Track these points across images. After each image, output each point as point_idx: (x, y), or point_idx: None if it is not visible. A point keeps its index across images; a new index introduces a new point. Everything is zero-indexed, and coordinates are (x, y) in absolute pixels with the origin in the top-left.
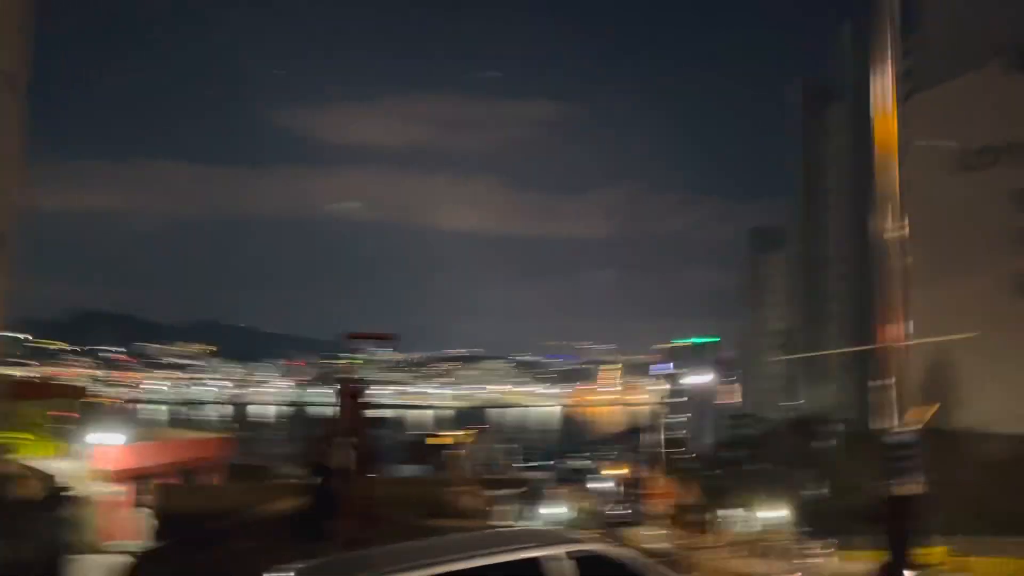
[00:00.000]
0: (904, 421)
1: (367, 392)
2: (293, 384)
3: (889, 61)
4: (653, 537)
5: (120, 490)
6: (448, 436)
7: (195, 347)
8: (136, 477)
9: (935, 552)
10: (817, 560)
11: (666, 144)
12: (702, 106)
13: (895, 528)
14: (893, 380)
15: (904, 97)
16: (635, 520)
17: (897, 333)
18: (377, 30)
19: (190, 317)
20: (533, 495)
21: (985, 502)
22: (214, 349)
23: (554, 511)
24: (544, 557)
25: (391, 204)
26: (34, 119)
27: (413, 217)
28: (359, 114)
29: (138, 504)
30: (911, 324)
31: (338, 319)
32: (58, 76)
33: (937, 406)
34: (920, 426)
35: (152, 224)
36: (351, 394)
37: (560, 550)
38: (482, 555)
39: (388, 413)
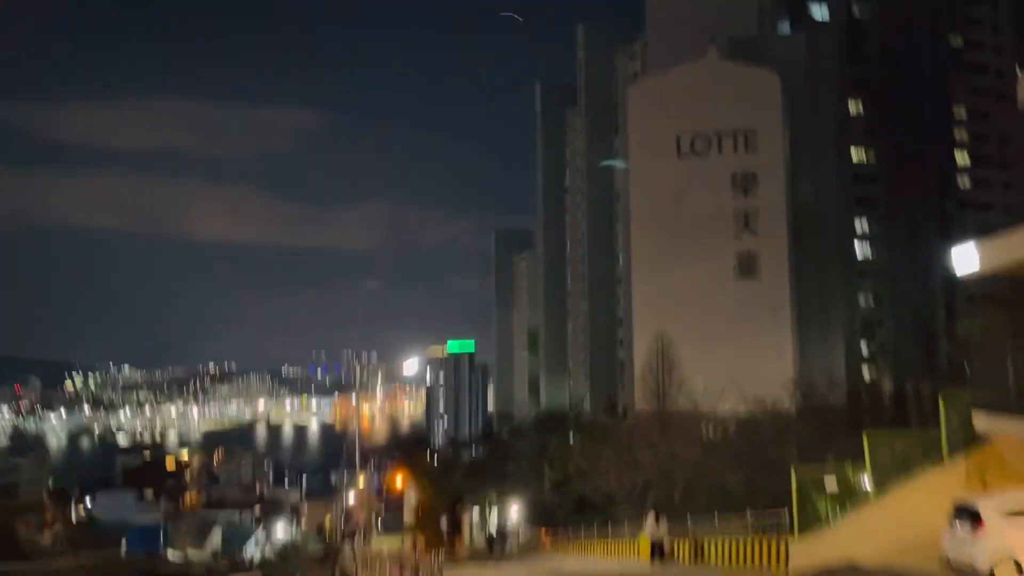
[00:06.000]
0: None
1: None
2: (9, 411)
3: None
4: (390, 548)
5: None
6: (179, 457)
7: None
8: None
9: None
10: None
11: (425, 158)
12: (456, 118)
13: None
14: None
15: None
16: (353, 533)
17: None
18: (121, 24)
19: None
20: (271, 514)
21: (702, 479)
22: None
23: (284, 530)
24: None
25: (137, 211)
26: None
27: (162, 226)
28: (100, 114)
29: None
30: (634, 308)
31: (71, 338)
32: None
33: None
34: None
35: None
36: None
37: None
38: None
39: (123, 436)
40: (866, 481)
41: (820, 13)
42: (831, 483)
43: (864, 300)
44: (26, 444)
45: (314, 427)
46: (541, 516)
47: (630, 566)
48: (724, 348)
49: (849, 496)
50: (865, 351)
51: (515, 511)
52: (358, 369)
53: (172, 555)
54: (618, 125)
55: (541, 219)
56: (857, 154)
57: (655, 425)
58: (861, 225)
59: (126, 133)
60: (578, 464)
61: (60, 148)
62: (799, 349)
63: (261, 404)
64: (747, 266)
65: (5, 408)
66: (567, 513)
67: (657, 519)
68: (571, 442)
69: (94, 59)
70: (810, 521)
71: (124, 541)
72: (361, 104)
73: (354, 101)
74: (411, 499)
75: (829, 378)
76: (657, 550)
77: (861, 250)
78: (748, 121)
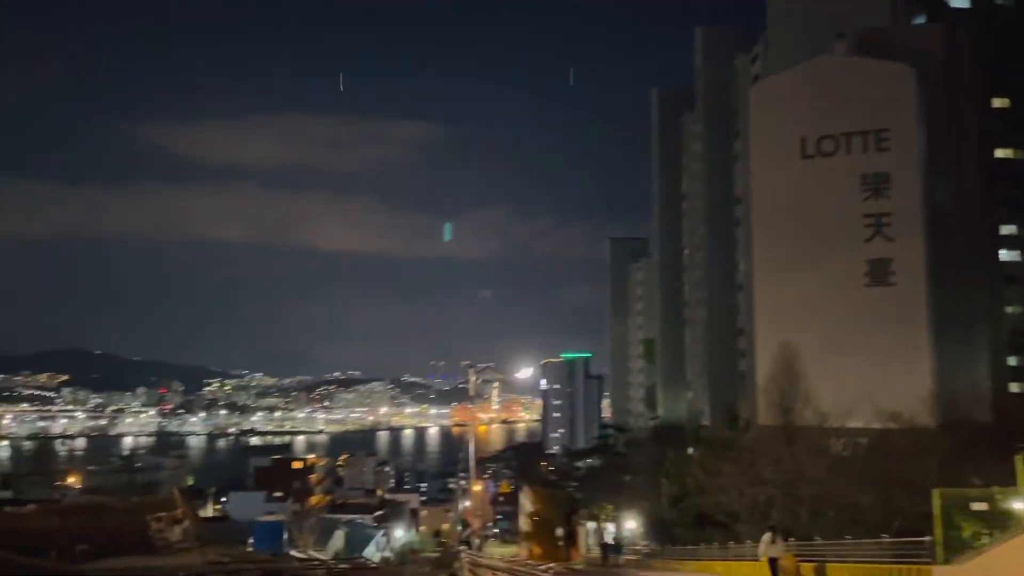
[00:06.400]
0: None
1: None
2: (156, 413)
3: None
4: (505, 554)
5: None
6: (307, 460)
7: (45, 377)
8: None
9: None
10: None
11: (539, 167)
12: (571, 126)
13: None
14: None
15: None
16: (469, 539)
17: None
18: (246, 45)
19: (42, 345)
20: (391, 517)
21: (830, 498)
22: (65, 379)
23: (403, 534)
24: None
25: (264, 224)
26: None
27: (287, 238)
28: (229, 131)
29: None
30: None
31: (208, 344)
32: None
33: None
34: None
35: None
36: None
37: None
38: None
39: (255, 439)
40: (1019, 506)
41: (958, 1)
42: (980, 507)
43: (1011, 308)
44: (169, 444)
45: (433, 433)
46: (658, 530)
47: None
48: (854, 359)
49: (1000, 523)
50: (1013, 363)
51: (631, 524)
52: (473, 378)
53: (296, 554)
54: (738, 129)
55: (657, 226)
56: (1001, 152)
57: (779, 439)
58: (1006, 228)
59: (255, 149)
60: (697, 478)
61: (197, 166)
62: (937, 361)
63: (383, 410)
64: (879, 273)
65: (153, 410)
66: (686, 528)
67: (774, 539)
68: (690, 455)
69: (226, 79)
70: (954, 549)
71: (251, 538)
72: (477, 114)
73: (470, 112)
74: (526, 507)
75: (972, 392)
76: (773, 567)
77: (1006, 255)
78: (879, 119)
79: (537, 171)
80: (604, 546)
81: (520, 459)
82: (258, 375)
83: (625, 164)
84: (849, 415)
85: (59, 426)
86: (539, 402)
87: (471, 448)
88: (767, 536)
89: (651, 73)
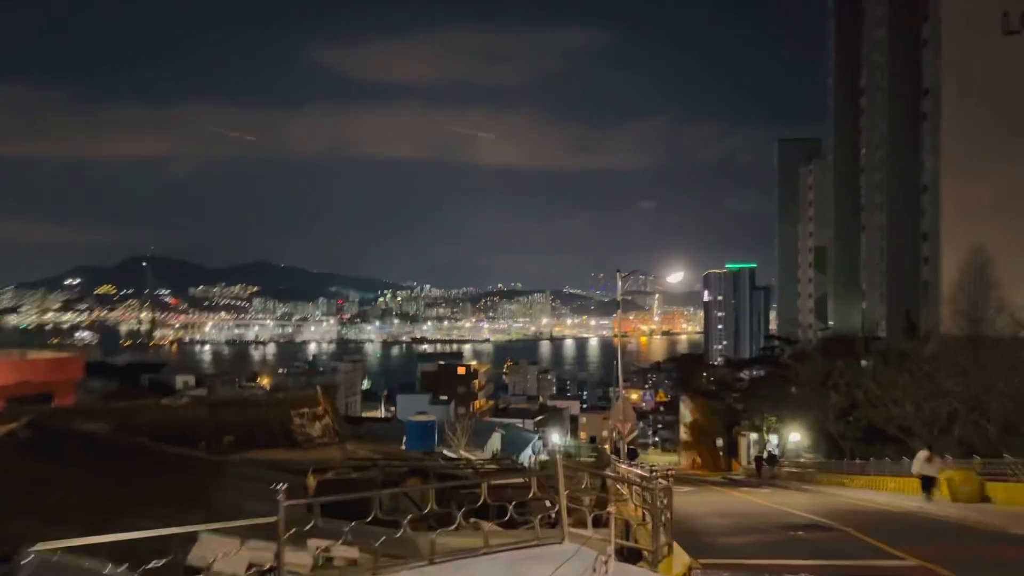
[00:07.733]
0: None
1: None
2: (336, 322)
3: None
4: (664, 463)
5: None
6: (471, 366)
7: (238, 288)
8: None
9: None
10: None
11: (703, 69)
12: (736, 21)
13: None
14: None
15: None
16: (619, 447)
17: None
18: None
19: (235, 259)
20: (550, 423)
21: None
22: (256, 290)
23: (560, 439)
24: None
25: (431, 140)
26: (73, 66)
27: (453, 153)
28: (394, 49)
29: None
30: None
31: (381, 257)
32: (96, 23)
33: None
34: None
35: (193, 167)
36: None
37: None
38: None
39: (424, 346)
40: None
41: None
42: None
43: None
44: (347, 351)
45: (594, 343)
46: (824, 443)
47: (926, 504)
48: None
49: None
50: None
51: (795, 436)
52: (624, 285)
53: (449, 453)
54: (927, 11)
55: (832, 124)
56: None
57: (965, 350)
58: None
59: (418, 66)
60: (869, 390)
61: (365, 86)
62: None
63: (544, 321)
64: None
65: (332, 319)
66: (853, 442)
67: (931, 457)
68: (861, 366)
69: None
70: None
71: (404, 438)
72: (638, 20)
73: (627, 14)
74: (686, 417)
75: None
76: (926, 485)
77: None
78: None
79: (702, 74)
80: (758, 459)
81: (681, 369)
82: (427, 286)
83: (796, 62)
84: None
85: (252, 333)
86: (702, 313)
87: (619, 355)
88: (923, 453)
89: None
